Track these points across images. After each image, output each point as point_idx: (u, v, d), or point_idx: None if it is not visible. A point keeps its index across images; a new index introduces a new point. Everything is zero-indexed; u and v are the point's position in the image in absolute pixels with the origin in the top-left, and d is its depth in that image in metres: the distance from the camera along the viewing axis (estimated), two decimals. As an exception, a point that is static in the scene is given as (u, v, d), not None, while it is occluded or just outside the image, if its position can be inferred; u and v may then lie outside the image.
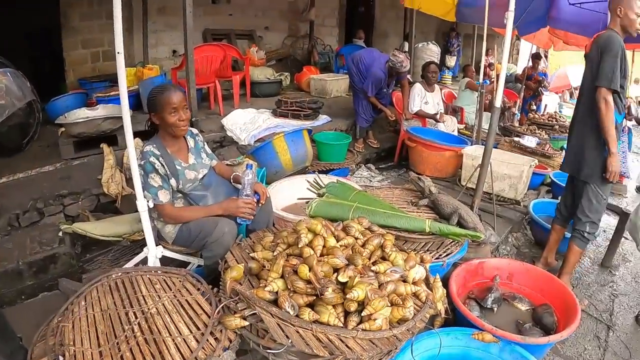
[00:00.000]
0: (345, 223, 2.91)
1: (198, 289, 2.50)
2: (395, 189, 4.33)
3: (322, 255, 2.47)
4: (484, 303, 3.29)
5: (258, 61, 9.46)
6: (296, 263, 2.37)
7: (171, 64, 9.23)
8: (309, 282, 2.22)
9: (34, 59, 7.94)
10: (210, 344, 2.09)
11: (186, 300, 2.41)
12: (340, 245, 2.58)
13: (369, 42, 13.52)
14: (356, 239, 2.72)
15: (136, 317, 2.27)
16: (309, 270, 2.23)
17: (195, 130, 3.38)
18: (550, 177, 6.07)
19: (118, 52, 2.74)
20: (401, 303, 2.26)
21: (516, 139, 7.25)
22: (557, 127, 8.51)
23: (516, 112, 9.83)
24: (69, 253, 3.92)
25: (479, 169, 4.39)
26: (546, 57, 14.99)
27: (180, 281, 2.59)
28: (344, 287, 2.24)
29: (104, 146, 4.72)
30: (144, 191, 2.91)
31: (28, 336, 2.45)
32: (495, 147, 6.61)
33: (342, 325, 2.12)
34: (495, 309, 3.29)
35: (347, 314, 2.18)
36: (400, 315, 2.20)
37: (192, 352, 2.02)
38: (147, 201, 2.94)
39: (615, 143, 3.46)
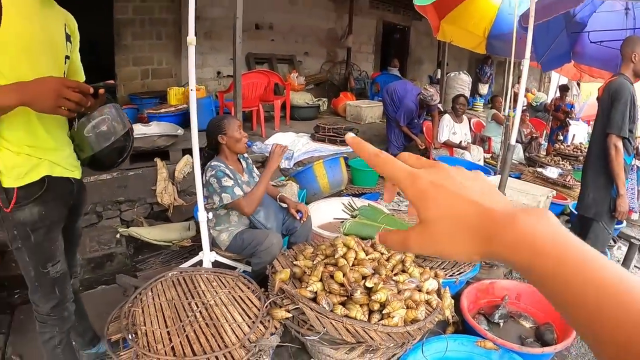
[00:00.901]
0: (373, 240, 3.44)
1: (249, 288, 2.97)
2: (420, 214, 4.71)
3: (353, 265, 3.00)
4: (492, 318, 3.58)
5: (298, 86, 9.89)
6: (332, 270, 2.89)
7: (215, 84, 9.73)
8: (342, 285, 2.75)
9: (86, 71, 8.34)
10: (260, 330, 2.54)
11: (239, 295, 2.87)
12: (369, 258, 3.10)
13: (403, 68, 13.67)
14: (382, 254, 3.23)
15: (197, 307, 2.71)
16: (343, 276, 2.77)
17: (245, 154, 3.93)
18: (569, 208, 6.11)
19: (191, 89, 3.22)
20: (415, 307, 2.77)
21: (539, 169, 7.37)
22: (581, 158, 8.36)
23: (543, 142, 10.02)
24: (124, 253, 4.40)
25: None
26: (578, 85, 14.98)
27: (233, 280, 3.06)
28: (369, 292, 2.74)
29: (157, 160, 5.17)
30: (220, 194, 3.39)
31: (91, 321, 2.98)
32: (518, 178, 6.88)
33: (366, 320, 2.62)
34: (502, 324, 3.58)
35: (370, 312, 2.68)
36: (414, 316, 2.70)
37: (244, 334, 2.47)
38: (207, 213, 3.45)
39: (624, 185, 3.67)
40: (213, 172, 3.42)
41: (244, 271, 3.63)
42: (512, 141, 4.32)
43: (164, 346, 2.34)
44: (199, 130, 3.30)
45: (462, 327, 3.44)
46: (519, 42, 5.82)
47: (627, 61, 3.73)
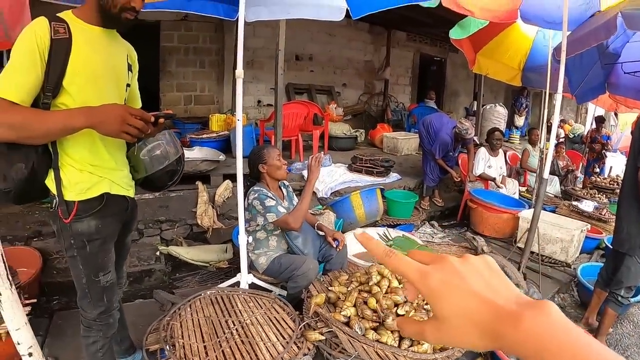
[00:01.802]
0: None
1: (284, 310, 3.09)
2: (453, 246, 4.81)
3: (386, 293, 3.09)
4: (522, 351, 3.66)
5: (336, 117, 10.02)
6: (366, 296, 3.00)
7: (256, 113, 9.93)
8: (374, 311, 2.85)
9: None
10: (294, 350, 2.65)
11: (274, 317, 2.99)
12: (402, 287, 3.17)
13: (440, 100, 13.75)
14: (414, 283, 3.31)
15: (234, 324, 2.83)
16: (376, 302, 2.87)
17: (286, 182, 4.08)
18: (604, 242, 5.92)
19: (238, 120, 3.39)
20: (445, 335, 2.83)
21: (574, 202, 7.32)
22: (617, 190, 8.16)
23: (579, 174, 9.93)
24: (162, 270, 4.53)
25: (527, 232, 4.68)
26: (616, 115, 14.80)
27: (269, 302, 3.18)
28: (402, 318, 2.83)
29: (199, 184, 5.33)
30: (265, 215, 3.51)
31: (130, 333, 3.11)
32: (553, 211, 6.86)
33: (396, 346, 2.71)
34: (532, 357, 3.65)
35: (401, 339, 2.77)
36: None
37: (278, 353, 2.58)
38: (248, 236, 3.59)
39: None
40: (256, 195, 3.56)
41: (279, 294, 3.68)
42: (546, 175, 4.32)
43: (200, 359, 2.46)
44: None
45: (491, 358, 3.47)
46: (554, 74, 5.78)
47: None
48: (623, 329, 4.71)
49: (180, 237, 5.07)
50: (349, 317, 2.87)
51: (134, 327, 3.20)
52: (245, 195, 3.67)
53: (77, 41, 2.04)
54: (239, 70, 3.29)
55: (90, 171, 2.19)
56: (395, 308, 2.91)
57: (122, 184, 2.39)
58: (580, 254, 6.07)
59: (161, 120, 2.25)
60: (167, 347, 2.53)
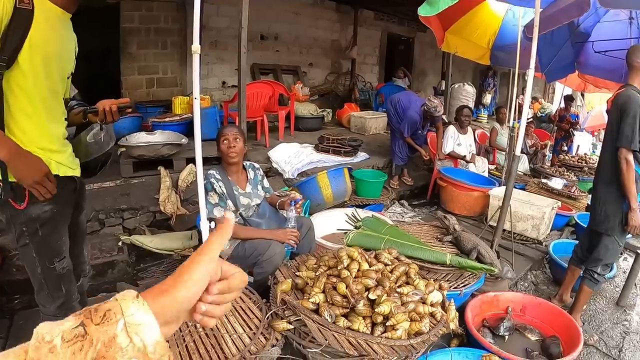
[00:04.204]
0: (377, 252, 3.41)
1: (250, 298, 2.96)
2: (424, 225, 4.72)
3: (356, 276, 2.97)
4: (497, 331, 3.55)
5: (302, 97, 9.94)
6: (335, 281, 2.87)
7: (220, 94, 9.74)
8: (344, 297, 2.72)
9: (91, 79, 8.36)
10: (261, 341, 2.53)
11: (240, 306, 2.86)
12: (372, 270, 3.06)
13: (407, 80, 13.77)
14: (385, 265, 3.22)
15: (197, 317, 2.71)
16: (346, 287, 2.74)
17: (257, 165, 3.94)
18: (574, 219, 6.11)
19: (195, 98, 3.20)
20: (419, 319, 2.72)
21: (544, 180, 7.36)
22: (586, 169, 8.57)
23: (547, 153, 10.00)
24: (125, 261, 4.35)
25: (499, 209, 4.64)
26: (583, 96, 14.96)
27: (235, 291, 3.04)
28: (372, 304, 2.72)
29: (161, 169, 5.14)
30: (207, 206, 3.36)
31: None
32: (523, 189, 6.84)
33: (369, 332, 2.59)
34: (507, 337, 3.54)
35: (373, 324, 2.65)
36: (417, 328, 2.66)
37: (245, 346, 2.46)
38: (210, 223, 3.42)
39: (636, 199, 3.58)
40: (205, 182, 3.40)
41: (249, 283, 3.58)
42: (518, 152, 4.28)
43: None
44: (204, 140, 3.29)
45: (467, 340, 3.42)
46: (523, 53, 5.83)
47: (635, 71, 3.64)
48: (597, 304, 4.77)
49: (143, 226, 4.91)
50: (318, 304, 2.74)
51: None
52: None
53: (38, 17, 1.95)
54: (195, 45, 3.10)
55: (37, 154, 2.09)
56: (366, 292, 2.79)
57: (69, 164, 2.31)
58: (550, 231, 6.11)
59: (129, 110, 2.43)
60: None
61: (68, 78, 2.33)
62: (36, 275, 2.26)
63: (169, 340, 2.38)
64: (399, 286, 2.99)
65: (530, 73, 4.15)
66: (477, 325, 3.64)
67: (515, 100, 6.61)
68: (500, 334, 3.56)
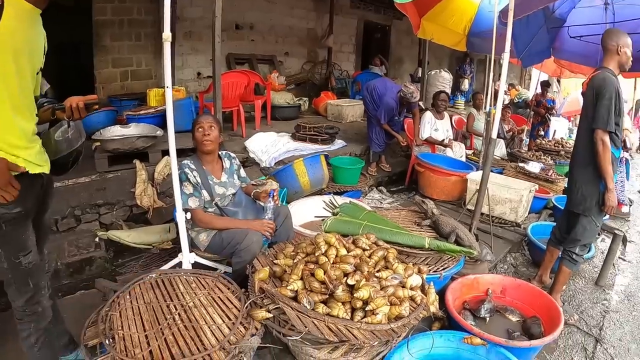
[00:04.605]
0: (355, 237, 3.40)
1: (229, 288, 2.91)
2: (402, 210, 4.72)
3: (334, 262, 2.95)
4: (477, 313, 3.57)
5: (279, 86, 9.87)
6: (313, 267, 2.85)
7: (196, 85, 9.62)
8: (323, 283, 2.70)
9: (64, 74, 8.25)
10: (240, 331, 2.48)
11: (219, 297, 2.81)
12: (351, 255, 3.04)
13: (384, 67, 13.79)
14: (364, 250, 3.20)
15: (176, 309, 2.64)
16: (324, 273, 2.72)
17: (233, 155, 3.91)
18: (552, 202, 6.22)
19: (167, 87, 3.16)
20: (399, 303, 2.71)
21: (521, 164, 7.41)
22: (562, 152, 8.64)
23: (524, 138, 10.07)
24: (103, 257, 4.31)
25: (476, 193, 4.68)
26: (559, 82, 15.10)
27: (213, 281, 2.99)
28: (351, 289, 2.70)
29: (136, 162, 5.08)
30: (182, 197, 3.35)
31: (70, 327, 2.90)
32: (501, 173, 6.91)
33: (349, 318, 2.58)
34: (488, 318, 3.57)
35: (353, 310, 2.64)
36: (397, 312, 2.65)
37: (224, 336, 2.41)
38: (185, 213, 3.39)
39: (612, 180, 3.63)
40: (179, 172, 3.38)
41: (225, 272, 3.57)
42: (494, 135, 4.33)
43: (141, 350, 2.28)
44: (179, 132, 3.25)
45: (448, 323, 3.44)
46: (499, 39, 5.83)
47: (611, 54, 3.69)
48: (576, 285, 4.84)
49: (120, 221, 4.85)
50: (297, 291, 2.72)
51: (75, 321, 2.96)
52: None
53: (8, 12, 1.94)
54: (166, 33, 3.05)
55: (6, 150, 2.08)
56: (345, 278, 2.77)
57: (37, 161, 2.28)
58: (528, 213, 6.18)
59: (96, 107, 2.43)
60: (107, 340, 2.36)
61: (37, 74, 2.31)
62: (3, 271, 2.25)
63: (147, 334, 2.37)
64: (378, 271, 2.99)
65: (505, 57, 4.20)
66: (458, 308, 3.66)
67: (492, 86, 6.64)
68: (481, 315, 3.58)
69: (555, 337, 3.20)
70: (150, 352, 2.28)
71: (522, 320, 3.66)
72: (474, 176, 5.94)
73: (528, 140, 10.13)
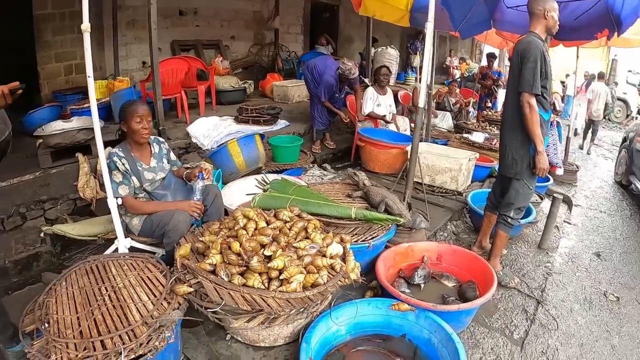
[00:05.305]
0: (277, 210, 3.47)
1: (157, 268, 2.97)
2: (336, 184, 4.81)
3: (253, 235, 3.03)
4: (411, 280, 3.65)
5: (223, 70, 9.85)
6: (230, 241, 2.92)
7: (141, 75, 9.45)
8: (239, 255, 2.78)
9: (7, 73, 8.00)
10: (163, 306, 2.55)
11: (147, 276, 2.87)
12: (271, 227, 3.13)
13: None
14: (285, 222, 3.28)
15: (107, 290, 2.71)
16: (240, 246, 2.79)
17: (162, 139, 3.92)
18: (496, 170, 6.16)
19: (89, 77, 3.17)
20: (316, 272, 2.80)
21: (465, 135, 7.60)
22: None
23: (471, 110, 10.23)
24: (50, 252, 4.28)
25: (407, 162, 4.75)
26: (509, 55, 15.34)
27: (143, 262, 3.06)
28: (269, 260, 2.78)
29: (79, 155, 5.03)
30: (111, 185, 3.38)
31: (17, 321, 2.89)
32: (445, 144, 7.08)
33: (264, 288, 2.66)
34: (423, 285, 3.65)
35: (270, 280, 2.72)
36: (313, 280, 2.74)
37: (148, 312, 2.49)
38: (116, 199, 3.42)
39: (542, 142, 3.67)
40: (107, 162, 3.42)
41: (162, 256, 3.59)
42: (421, 104, 4.48)
43: (72, 331, 2.37)
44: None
45: (381, 291, 3.50)
46: (440, 13, 5.89)
47: (537, 18, 3.74)
48: (519, 249, 4.96)
49: (64, 215, 4.83)
50: (215, 264, 2.79)
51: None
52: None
53: None
54: (85, 24, 3.07)
55: None
56: (262, 249, 2.86)
57: None
58: (472, 182, 6.33)
59: (20, 91, 2.40)
60: (43, 325, 2.44)
61: None
62: None
63: (79, 316, 2.42)
64: (299, 240, 3.07)
65: (429, 26, 4.24)
66: (392, 277, 3.74)
67: (428, 60, 6.72)
68: (415, 282, 3.65)
69: (486, 299, 3.27)
70: (81, 332, 2.36)
71: (459, 285, 3.75)
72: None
73: (476, 112, 10.28)
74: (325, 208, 3.79)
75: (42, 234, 4.40)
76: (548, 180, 6.45)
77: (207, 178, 3.82)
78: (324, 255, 3.00)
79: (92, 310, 2.54)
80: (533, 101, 3.57)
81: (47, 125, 5.36)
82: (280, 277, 2.69)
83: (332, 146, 7.69)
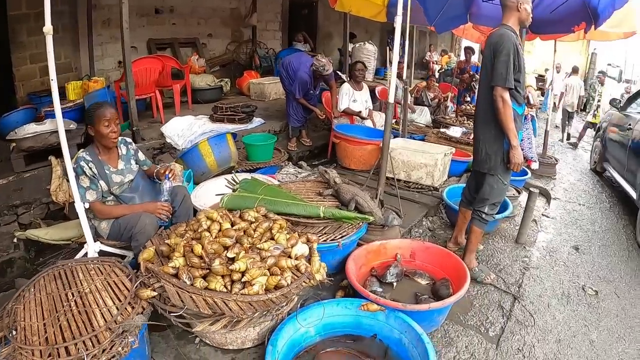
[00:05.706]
0: (243, 211, 3.46)
1: (124, 273, 2.95)
2: (307, 182, 4.79)
3: (216, 237, 3.02)
4: (384, 278, 3.64)
5: (199, 69, 9.78)
6: (193, 243, 2.91)
7: (118, 75, 9.38)
8: (201, 258, 2.77)
9: None
10: (127, 311, 2.55)
11: (113, 281, 2.85)
12: (235, 229, 3.12)
13: (313, 43, 13.72)
14: (250, 223, 3.27)
15: (73, 296, 2.69)
16: (202, 248, 2.78)
17: (129, 140, 3.86)
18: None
19: (52, 80, 3.14)
20: (279, 273, 2.80)
21: (442, 130, 7.59)
22: None
23: (449, 104, 10.24)
24: (23, 257, 4.27)
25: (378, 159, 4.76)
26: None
27: (110, 267, 3.03)
28: (232, 262, 2.77)
29: (51, 158, 4.98)
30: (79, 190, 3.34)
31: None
32: (423, 139, 7.08)
33: (227, 291, 2.65)
34: (395, 283, 3.65)
35: (232, 282, 2.71)
36: (275, 282, 2.73)
37: (112, 317, 2.48)
38: (84, 203, 3.37)
39: (516, 136, 3.64)
40: (74, 166, 3.38)
41: (133, 259, 3.59)
42: (391, 99, 4.39)
43: (39, 337, 2.36)
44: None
45: (352, 291, 3.46)
46: (415, 8, 5.89)
47: (510, 11, 3.71)
48: (495, 244, 4.96)
49: (38, 219, 4.79)
50: (178, 268, 2.78)
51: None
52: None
53: None
54: (47, 27, 3.04)
55: None
56: (225, 251, 2.85)
57: None
58: (449, 177, 6.31)
59: None
60: (10, 333, 2.44)
61: None
62: None
63: (45, 322, 2.41)
64: (264, 242, 3.05)
65: (398, 19, 4.35)
66: (364, 275, 3.74)
67: (412, 55, 6.72)
68: (387, 281, 3.64)
69: (458, 298, 3.25)
70: (47, 338, 2.36)
71: (432, 283, 3.73)
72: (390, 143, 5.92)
73: (454, 106, 10.31)
74: (293, 207, 3.77)
75: (15, 240, 4.36)
76: (526, 173, 6.48)
77: (173, 178, 3.80)
78: (289, 256, 3.00)
79: (58, 316, 2.53)
80: (506, 95, 3.55)
81: (20, 129, 5.26)
82: (243, 280, 2.68)
83: (308, 143, 7.67)
